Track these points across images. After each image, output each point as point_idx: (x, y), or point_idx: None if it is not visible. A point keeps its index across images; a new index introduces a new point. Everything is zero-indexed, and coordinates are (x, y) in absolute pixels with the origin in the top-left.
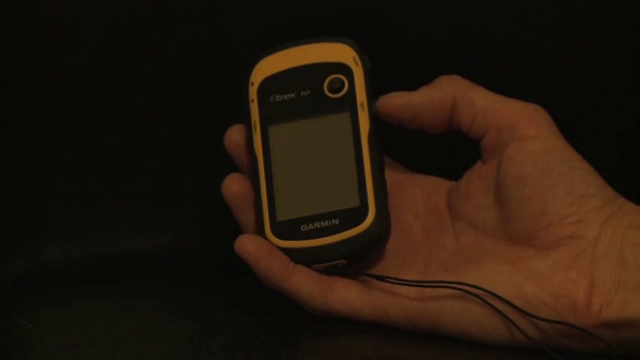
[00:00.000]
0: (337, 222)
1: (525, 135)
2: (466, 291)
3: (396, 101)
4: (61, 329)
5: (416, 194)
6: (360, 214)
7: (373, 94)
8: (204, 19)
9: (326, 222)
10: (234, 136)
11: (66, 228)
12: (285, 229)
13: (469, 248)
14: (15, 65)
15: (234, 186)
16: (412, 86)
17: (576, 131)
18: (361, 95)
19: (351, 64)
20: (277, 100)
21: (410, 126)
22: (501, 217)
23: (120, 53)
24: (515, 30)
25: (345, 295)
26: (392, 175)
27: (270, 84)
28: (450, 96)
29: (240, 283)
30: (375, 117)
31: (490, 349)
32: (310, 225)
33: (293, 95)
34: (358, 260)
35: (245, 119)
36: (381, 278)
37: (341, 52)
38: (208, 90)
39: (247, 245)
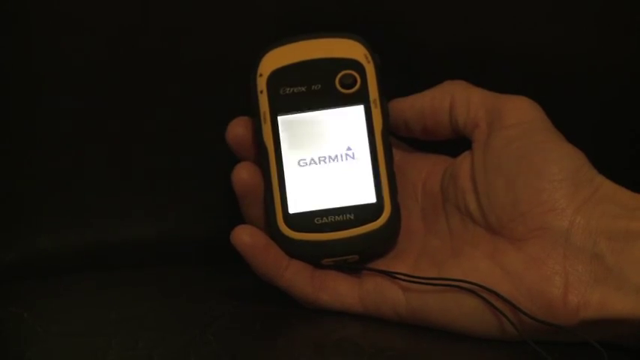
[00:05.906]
0: (352, 217)
1: (507, 124)
2: (467, 289)
3: (404, 102)
4: (55, 318)
5: (415, 178)
6: (376, 210)
7: (384, 92)
8: (208, 10)
9: (341, 216)
10: (236, 129)
11: (60, 217)
12: (299, 221)
13: (455, 236)
14: (9, 58)
15: (244, 173)
16: (417, 89)
17: (577, 131)
18: (374, 92)
19: (363, 61)
20: (287, 92)
21: (416, 129)
22: (478, 206)
23: (116, 42)
24: (522, 32)
25: (336, 293)
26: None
27: (280, 76)
28: (449, 94)
29: (235, 272)
30: (386, 115)
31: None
32: (324, 218)
33: (304, 88)
34: (370, 256)
35: (252, 110)
36: (393, 275)
37: (352, 49)
38: (208, 80)
39: (244, 237)
